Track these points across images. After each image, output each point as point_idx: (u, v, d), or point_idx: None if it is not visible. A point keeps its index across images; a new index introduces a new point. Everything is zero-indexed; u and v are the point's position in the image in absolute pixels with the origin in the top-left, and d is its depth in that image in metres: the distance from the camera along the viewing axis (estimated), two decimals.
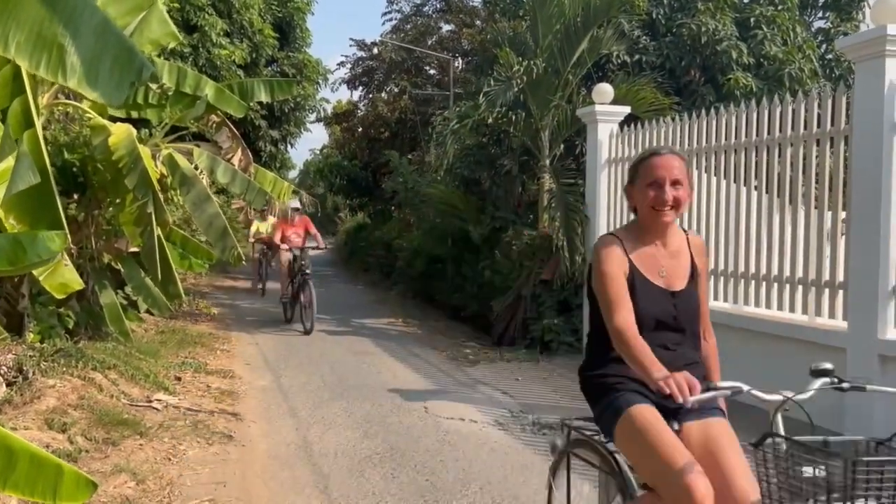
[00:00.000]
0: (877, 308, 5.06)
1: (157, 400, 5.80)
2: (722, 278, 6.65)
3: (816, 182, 5.83)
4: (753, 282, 6.29)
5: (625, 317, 2.27)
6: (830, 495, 1.79)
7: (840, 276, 5.49)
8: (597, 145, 8.46)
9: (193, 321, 10.68)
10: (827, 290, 5.59)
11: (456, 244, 12.40)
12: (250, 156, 10.85)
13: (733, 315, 6.39)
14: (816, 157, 5.77)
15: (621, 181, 8.20)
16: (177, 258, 8.56)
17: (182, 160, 7.72)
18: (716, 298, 6.74)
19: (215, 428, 5.34)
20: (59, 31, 2.63)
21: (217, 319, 11.17)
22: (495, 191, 11.73)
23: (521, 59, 9.68)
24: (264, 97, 8.81)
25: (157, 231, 6.70)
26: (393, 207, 21.01)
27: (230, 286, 16.89)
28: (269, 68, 19.88)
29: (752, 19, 10.87)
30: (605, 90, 8.47)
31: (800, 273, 5.83)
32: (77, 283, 5.33)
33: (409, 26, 23.78)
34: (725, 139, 6.66)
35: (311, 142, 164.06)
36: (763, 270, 6.20)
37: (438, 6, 23.90)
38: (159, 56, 9.31)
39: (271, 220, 15.16)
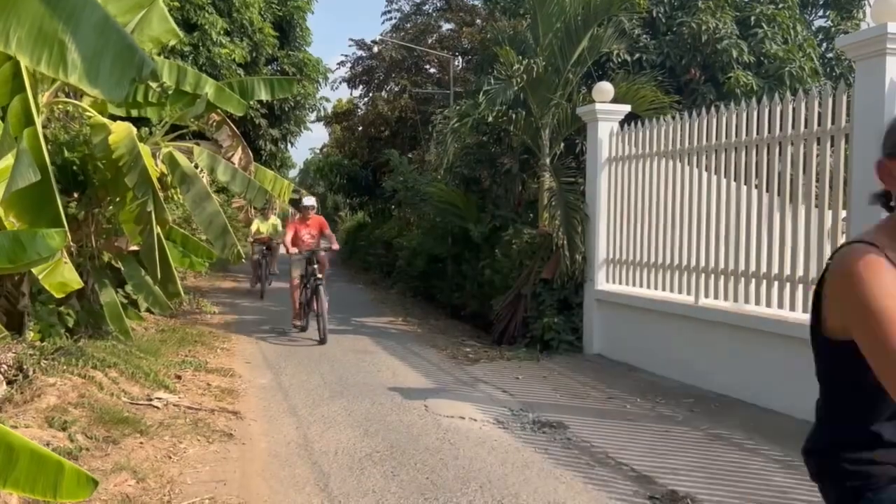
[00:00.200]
0: None
1: (157, 398, 5.79)
2: (722, 277, 6.65)
3: (817, 180, 5.82)
4: (754, 280, 6.29)
5: None
6: None
7: None
8: (597, 144, 8.46)
9: (193, 320, 10.68)
10: None
11: (456, 243, 12.40)
12: (250, 154, 10.85)
13: (734, 314, 6.39)
14: (817, 155, 5.77)
15: (622, 180, 8.21)
16: (177, 257, 8.57)
17: (182, 159, 7.72)
18: (716, 297, 6.74)
19: (215, 426, 5.34)
20: (59, 28, 2.62)
21: (217, 318, 11.17)
22: (495, 189, 11.74)
23: (521, 57, 9.68)
24: (264, 96, 8.82)
25: (157, 229, 6.69)
26: (393, 206, 21.02)
27: (231, 286, 16.89)
28: (269, 67, 19.88)
29: (752, 18, 10.86)
30: (605, 89, 8.47)
31: (800, 272, 5.83)
32: (76, 282, 5.33)
33: (409, 25, 23.76)
34: (726, 138, 6.66)
35: (311, 140, 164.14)
36: (764, 269, 6.20)
37: (438, 5, 23.89)
38: (159, 55, 9.32)
39: (273, 219, 14.87)
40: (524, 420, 5.65)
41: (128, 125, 6.77)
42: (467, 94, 13.54)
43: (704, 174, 6.98)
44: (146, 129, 9.35)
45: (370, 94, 24.76)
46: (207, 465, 4.57)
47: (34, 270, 5.01)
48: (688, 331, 6.96)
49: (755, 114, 6.32)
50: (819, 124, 5.71)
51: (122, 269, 8.26)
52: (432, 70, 23.94)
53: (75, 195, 7.55)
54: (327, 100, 26.96)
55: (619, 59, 10.63)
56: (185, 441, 4.94)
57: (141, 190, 6.48)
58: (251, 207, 16.64)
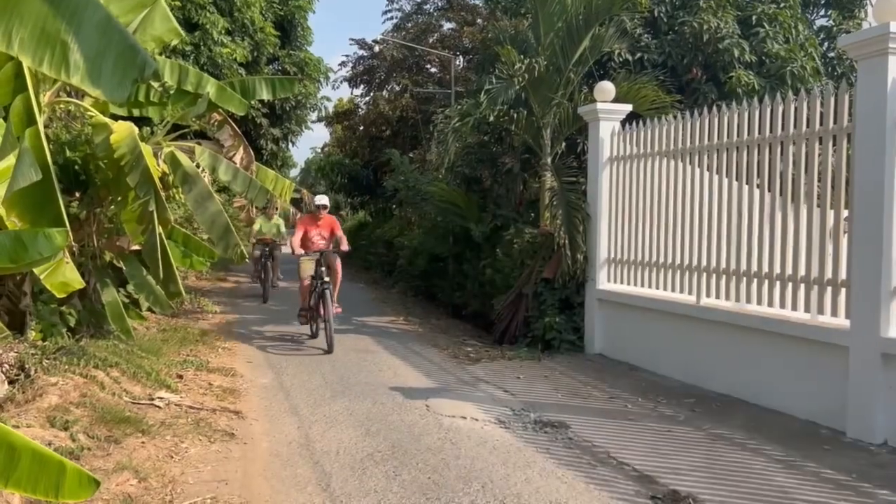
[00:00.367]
0: (879, 306, 5.05)
1: (158, 398, 5.80)
2: (724, 276, 6.64)
3: (819, 180, 5.82)
4: (756, 280, 6.28)
5: None
6: None
7: (842, 275, 5.49)
8: (598, 143, 8.46)
9: (195, 319, 10.68)
10: (829, 289, 5.58)
11: (457, 242, 12.40)
12: (252, 154, 10.88)
13: (735, 313, 6.38)
14: (819, 155, 5.76)
15: (623, 179, 8.21)
16: (178, 256, 8.58)
17: (184, 158, 7.72)
18: (718, 297, 6.74)
19: (217, 426, 5.34)
20: (62, 28, 2.62)
21: (219, 317, 11.17)
22: (497, 189, 11.73)
23: (522, 56, 9.68)
24: (266, 95, 8.84)
25: (159, 229, 6.70)
26: (394, 206, 21.02)
27: (232, 285, 16.88)
28: (271, 66, 19.90)
29: (753, 17, 10.85)
30: (606, 88, 8.47)
31: (802, 271, 5.83)
32: (78, 282, 5.33)
33: (410, 24, 23.77)
34: (727, 137, 6.65)
35: (312, 140, 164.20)
36: (765, 268, 6.19)
37: (439, 4, 23.89)
38: (161, 54, 9.32)
39: (276, 219, 14.16)
40: (526, 420, 5.65)
41: (129, 125, 6.77)
42: (468, 94, 13.54)
43: (706, 174, 6.97)
44: (148, 128, 9.36)
45: (371, 94, 24.77)
46: (209, 464, 4.57)
47: (36, 270, 5.01)
48: (689, 330, 6.95)
49: (757, 113, 6.31)
50: (821, 124, 5.70)
51: (124, 268, 8.27)
52: (433, 69, 23.94)
53: (77, 195, 7.56)
54: (328, 99, 27.04)
55: (621, 59, 10.62)
56: (187, 441, 4.94)
57: (143, 189, 6.49)
58: (252, 207, 16.63)
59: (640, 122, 8.01)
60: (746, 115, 6.42)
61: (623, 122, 8.46)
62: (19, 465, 2.55)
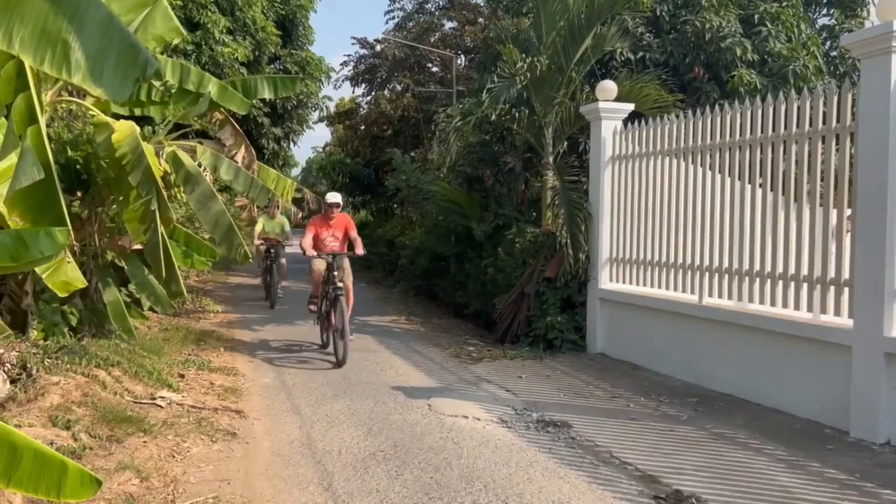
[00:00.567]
0: (883, 306, 5.04)
1: (160, 397, 5.79)
2: (726, 276, 6.63)
3: (822, 179, 5.80)
4: (758, 279, 6.27)
5: None
6: None
7: (846, 274, 5.47)
8: (600, 142, 8.44)
9: (196, 318, 10.68)
10: (832, 288, 5.57)
11: (459, 242, 12.39)
12: (253, 153, 10.87)
13: (738, 313, 6.37)
14: (822, 154, 5.75)
15: (625, 178, 8.20)
16: (180, 255, 8.58)
17: (185, 157, 7.72)
18: (720, 296, 6.73)
19: (219, 425, 5.34)
20: (63, 27, 2.61)
21: (220, 317, 11.17)
22: (498, 188, 11.72)
23: (524, 55, 9.67)
24: (267, 94, 8.83)
25: (161, 228, 6.69)
26: (396, 205, 21.02)
27: (234, 284, 16.89)
28: (272, 66, 19.90)
29: (756, 16, 10.83)
30: (608, 87, 8.46)
31: (805, 271, 5.81)
32: (80, 281, 5.33)
33: (411, 24, 23.78)
34: (730, 136, 6.64)
35: (313, 139, 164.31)
36: (768, 268, 6.18)
37: (441, 3, 23.89)
38: (163, 53, 9.32)
39: (280, 218, 13.34)
40: (528, 419, 5.65)
41: (131, 124, 6.77)
42: (470, 93, 13.53)
43: (708, 173, 6.95)
44: (149, 127, 9.38)
45: (373, 93, 24.78)
46: (211, 464, 4.57)
47: (38, 269, 5.01)
48: (692, 330, 6.94)
49: (759, 112, 6.30)
50: (824, 123, 5.69)
51: (126, 267, 8.27)
52: (435, 69, 23.95)
53: (79, 194, 7.56)
54: (330, 99, 27.08)
55: (623, 58, 10.60)
56: (189, 440, 4.94)
57: (144, 189, 6.48)
58: (254, 206, 16.62)
59: (642, 122, 8.00)
60: (749, 114, 6.41)
61: (625, 122, 8.45)
62: (21, 465, 2.54)
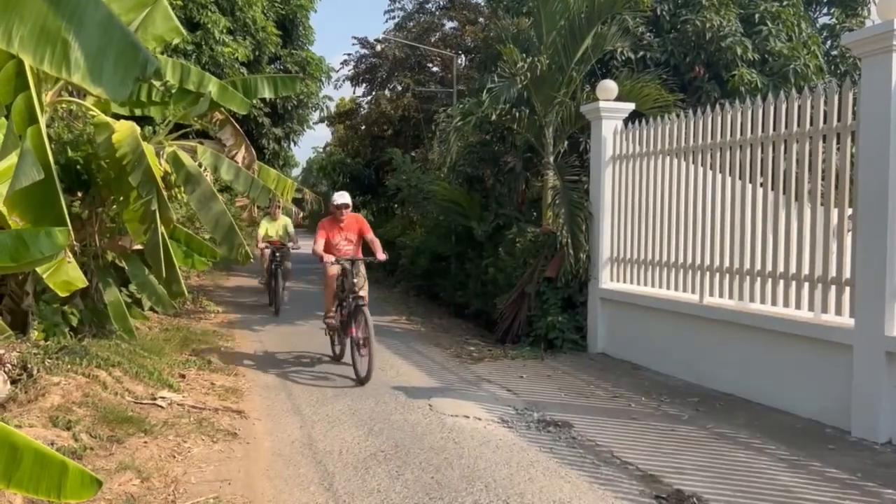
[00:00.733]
0: (884, 305, 5.03)
1: (161, 397, 5.79)
2: (727, 275, 6.62)
3: (823, 178, 5.79)
4: (759, 279, 6.26)
5: None
6: None
7: (847, 273, 5.47)
8: (601, 142, 8.44)
9: (197, 319, 10.68)
10: (833, 287, 5.56)
11: (459, 241, 12.39)
12: (253, 153, 10.87)
13: (739, 312, 6.37)
14: (823, 153, 5.74)
15: (626, 178, 8.19)
16: (180, 256, 8.57)
17: (186, 158, 7.71)
18: (721, 295, 6.72)
19: (220, 425, 5.34)
20: (63, 26, 2.61)
21: (221, 317, 11.17)
22: (499, 188, 11.72)
23: (524, 55, 9.67)
24: (267, 94, 8.82)
25: (161, 229, 6.69)
26: (396, 205, 21.02)
27: (235, 284, 16.88)
28: (273, 66, 19.90)
29: (756, 15, 10.83)
30: (609, 87, 8.45)
31: (806, 270, 5.81)
32: (80, 280, 5.33)
33: (412, 24, 23.77)
34: (731, 136, 6.63)
35: (314, 139, 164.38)
36: (769, 267, 6.17)
37: (442, 3, 23.89)
38: (163, 53, 9.32)
39: (283, 219, 12.57)
40: (529, 419, 5.64)
41: (131, 124, 6.77)
42: (470, 93, 13.52)
43: (709, 172, 6.95)
44: (150, 127, 9.37)
45: (373, 93, 24.78)
46: (212, 464, 4.57)
47: (38, 269, 5.01)
48: (692, 329, 6.93)
49: (760, 111, 6.29)
50: (825, 122, 5.68)
51: (126, 268, 8.27)
52: (435, 68, 23.95)
53: (79, 194, 7.56)
54: (330, 99, 27.07)
55: (623, 57, 10.60)
56: (190, 440, 4.94)
57: (145, 189, 6.48)
58: (254, 206, 16.60)
59: (643, 121, 7.99)
60: (749, 113, 6.40)
61: (625, 121, 8.45)
62: (21, 466, 2.54)
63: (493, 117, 10.06)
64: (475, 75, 15.46)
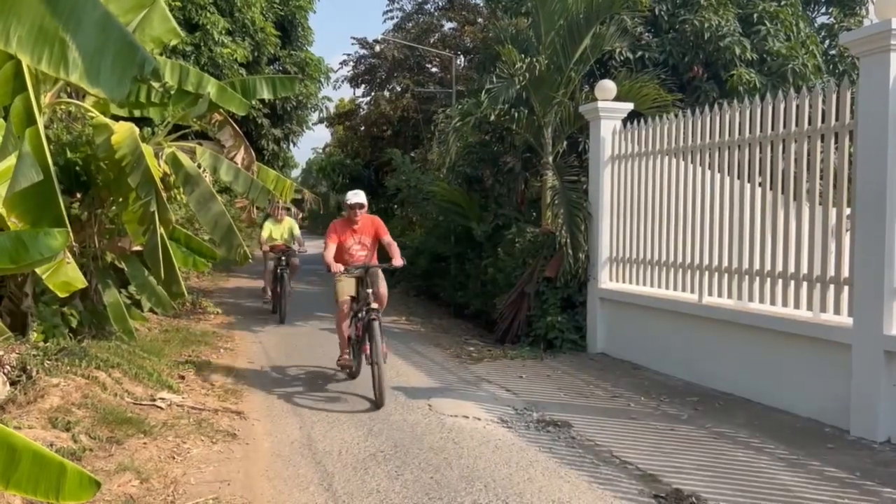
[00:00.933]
0: (882, 304, 5.03)
1: (160, 398, 5.79)
2: (726, 275, 6.63)
3: (821, 178, 5.80)
4: (758, 278, 6.26)
5: None
6: None
7: (845, 272, 5.47)
8: (600, 142, 8.44)
9: (197, 320, 10.68)
10: (832, 287, 5.57)
11: (459, 242, 12.39)
12: (253, 154, 10.87)
13: (738, 312, 6.37)
14: (821, 152, 5.75)
15: (625, 178, 8.19)
16: (180, 257, 8.57)
17: (185, 159, 7.71)
18: (720, 295, 6.72)
19: (219, 426, 5.34)
20: (60, 26, 2.61)
21: (221, 318, 11.17)
22: (498, 188, 11.73)
23: (523, 56, 9.67)
24: (266, 94, 8.82)
25: (160, 230, 6.69)
26: (396, 206, 21.02)
27: (234, 286, 16.87)
28: (272, 67, 19.91)
29: (755, 15, 10.83)
30: (607, 87, 8.45)
31: (804, 269, 5.81)
32: (80, 281, 5.32)
33: (410, 24, 23.79)
34: (729, 135, 6.64)
35: (313, 140, 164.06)
36: (768, 267, 6.17)
37: (440, 4, 23.90)
38: (161, 54, 9.32)
39: (288, 221, 11.83)
40: (528, 419, 5.64)
41: (130, 125, 6.77)
42: (469, 93, 13.53)
43: (708, 172, 6.95)
44: (149, 129, 9.37)
45: (372, 94, 24.79)
46: (211, 465, 4.57)
47: (37, 270, 5.00)
48: (692, 329, 6.94)
49: (758, 111, 6.29)
50: (823, 121, 5.68)
51: (126, 269, 8.27)
52: (434, 69, 23.97)
53: (78, 196, 7.55)
54: (329, 99, 27.05)
55: (622, 57, 10.61)
56: (189, 441, 4.94)
57: (144, 190, 6.48)
58: (254, 208, 16.58)
59: (642, 121, 7.99)
60: (748, 113, 6.41)
61: (624, 121, 8.45)
62: (20, 467, 2.54)
63: (492, 118, 10.06)
64: (474, 76, 15.46)
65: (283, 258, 11.25)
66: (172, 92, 7.70)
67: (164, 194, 7.08)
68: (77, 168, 7.30)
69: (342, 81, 24.77)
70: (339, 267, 6.48)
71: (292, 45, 20.60)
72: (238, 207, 17.14)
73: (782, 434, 5.22)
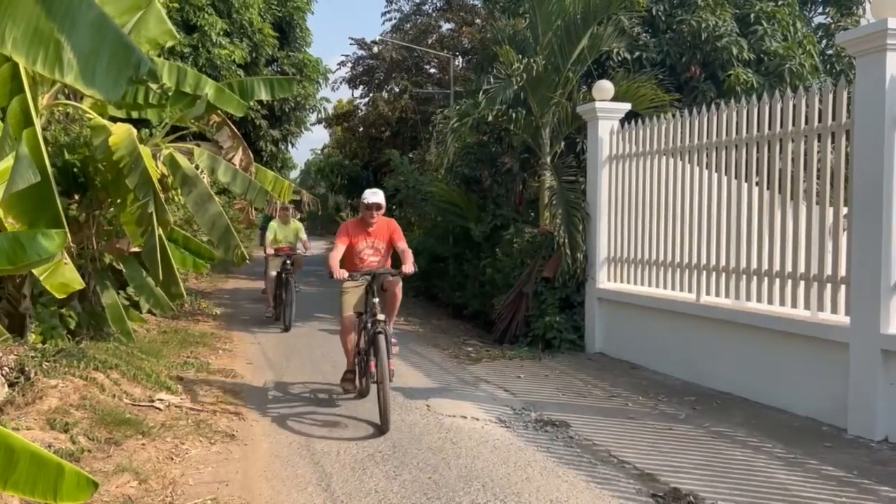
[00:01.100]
0: (879, 303, 5.04)
1: (159, 399, 5.79)
2: (724, 274, 6.64)
3: (818, 177, 5.81)
4: (755, 278, 6.27)
5: None
6: None
7: (842, 272, 5.48)
8: (597, 142, 8.45)
9: (195, 321, 10.67)
10: (829, 286, 5.58)
11: (457, 242, 12.39)
12: (251, 155, 10.85)
13: (735, 311, 6.38)
14: (818, 152, 5.76)
15: (622, 178, 8.20)
16: (178, 258, 8.57)
17: (183, 160, 7.72)
18: (717, 294, 6.73)
19: (217, 427, 5.34)
20: (55, 27, 2.61)
21: (220, 319, 11.16)
22: (496, 189, 11.72)
23: (521, 56, 9.68)
24: (264, 95, 8.81)
25: (159, 231, 6.69)
26: (394, 206, 20.99)
27: (233, 287, 16.87)
28: (270, 68, 19.90)
29: (752, 15, 10.85)
30: (605, 87, 8.46)
31: (802, 268, 5.82)
32: (78, 282, 5.33)
33: (408, 25, 23.81)
34: (726, 135, 6.65)
35: (312, 141, 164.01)
36: (765, 266, 6.18)
37: (438, 5, 23.92)
38: (158, 56, 9.31)
39: (294, 223, 11.40)
40: (526, 419, 5.65)
41: (128, 127, 6.77)
42: (467, 94, 13.53)
43: (705, 172, 6.96)
44: (146, 130, 9.35)
45: (371, 95, 24.80)
46: (209, 465, 4.57)
47: (35, 271, 5.01)
48: (689, 329, 6.95)
49: (755, 111, 6.30)
50: (819, 121, 5.70)
51: (124, 270, 8.27)
52: (432, 70, 23.99)
53: (76, 197, 7.56)
54: (328, 100, 27.01)
55: (619, 58, 10.62)
56: (188, 442, 4.94)
57: (142, 191, 6.48)
58: (251, 209, 16.57)
59: (639, 121, 8.01)
60: (745, 112, 6.42)
61: (622, 121, 8.46)
62: (17, 468, 2.54)
63: (490, 118, 10.07)
64: (472, 76, 15.47)
65: (288, 261, 10.75)
66: (170, 93, 7.70)
67: (161, 195, 7.08)
68: (75, 169, 7.30)
69: (340, 82, 24.81)
70: (343, 273, 5.71)
71: (290, 46, 20.59)
72: (236, 209, 17.13)
73: (780, 433, 5.23)
